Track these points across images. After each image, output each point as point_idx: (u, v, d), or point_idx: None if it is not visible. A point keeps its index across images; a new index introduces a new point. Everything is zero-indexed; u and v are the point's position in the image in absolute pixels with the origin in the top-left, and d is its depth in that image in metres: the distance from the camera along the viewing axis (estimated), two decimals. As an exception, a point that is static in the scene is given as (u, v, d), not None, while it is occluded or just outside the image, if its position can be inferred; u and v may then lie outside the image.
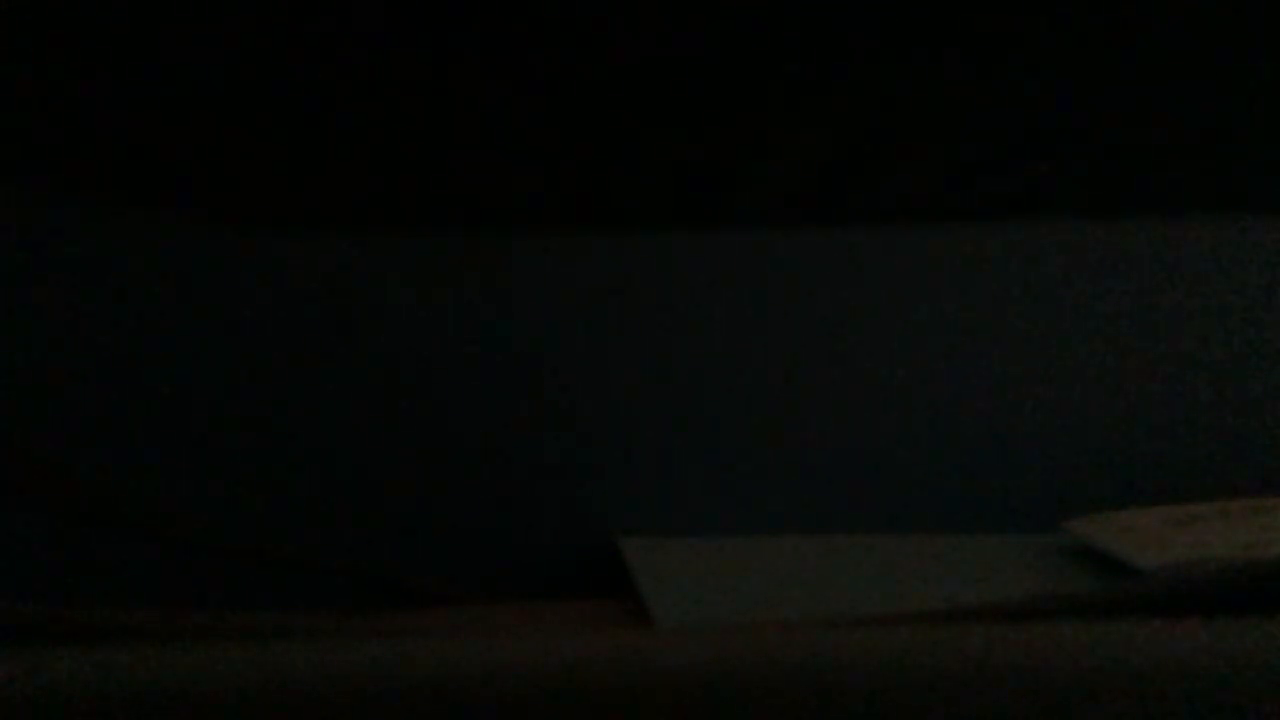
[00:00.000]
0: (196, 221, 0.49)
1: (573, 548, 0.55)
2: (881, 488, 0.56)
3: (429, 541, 0.54)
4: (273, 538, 0.52)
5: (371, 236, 0.51)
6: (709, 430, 0.55)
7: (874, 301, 0.55)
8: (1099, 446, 0.57)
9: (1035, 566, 0.48)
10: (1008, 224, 0.55)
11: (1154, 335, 0.57)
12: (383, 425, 0.53)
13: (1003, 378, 0.56)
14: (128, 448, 0.51)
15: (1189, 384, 0.57)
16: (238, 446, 0.52)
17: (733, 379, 0.55)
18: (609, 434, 0.54)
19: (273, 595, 0.52)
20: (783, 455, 0.55)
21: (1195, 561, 0.43)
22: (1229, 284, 0.57)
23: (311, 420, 0.53)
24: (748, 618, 0.41)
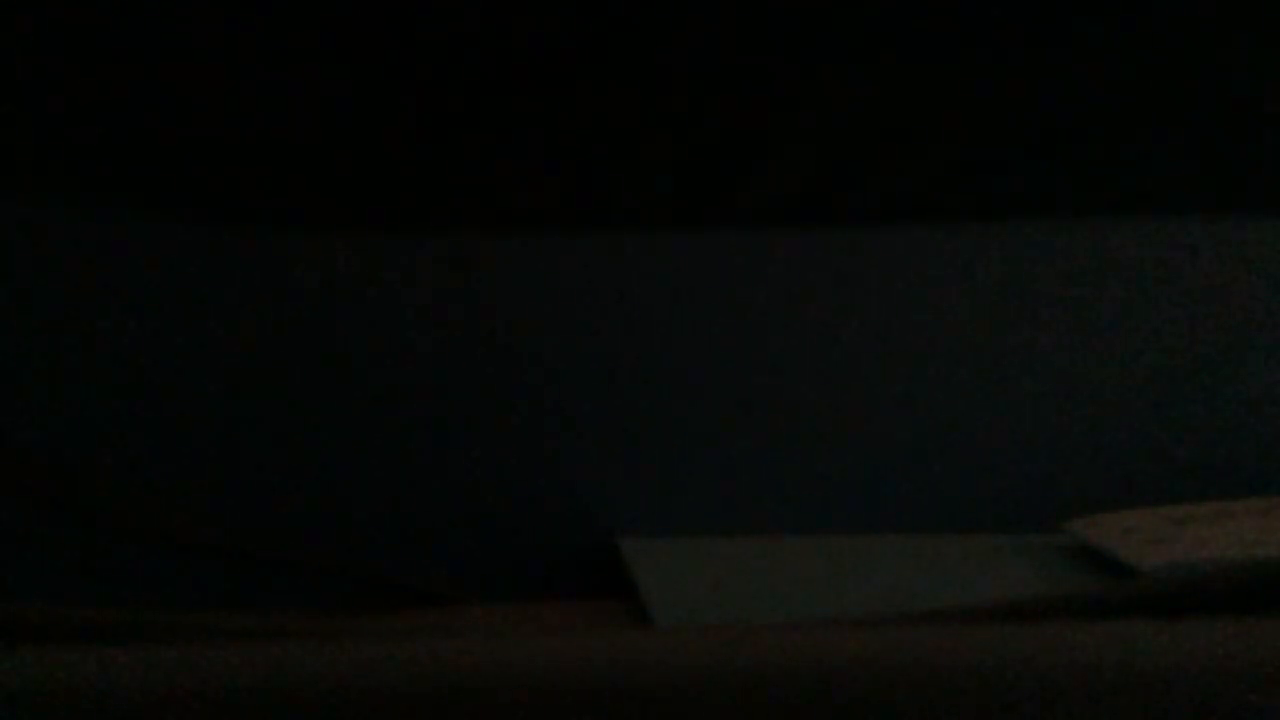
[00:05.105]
0: (196, 221, 0.49)
1: (573, 548, 0.55)
2: (881, 488, 0.56)
3: (429, 541, 0.54)
4: (273, 538, 0.52)
5: (371, 236, 0.51)
6: (709, 430, 0.55)
7: (874, 301, 0.55)
8: (1099, 446, 0.57)
9: (1035, 566, 0.48)
10: (1008, 224, 0.55)
11: (1153, 335, 0.57)
12: (383, 425, 0.53)
13: (1003, 378, 0.56)
14: (128, 448, 0.51)
15: (1189, 384, 0.57)
16: (238, 446, 0.52)
17: (732, 379, 0.55)
18: (609, 434, 0.54)
19: (273, 595, 0.52)
20: (782, 455, 0.55)
21: (1195, 561, 0.43)
22: (1229, 284, 0.57)
23: (311, 420, 0.53)
24: (748, 618, 0.41)
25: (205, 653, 0.18)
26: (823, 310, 0.55)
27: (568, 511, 0.54)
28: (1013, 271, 0.56)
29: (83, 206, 0.49)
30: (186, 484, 0.52)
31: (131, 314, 0.51)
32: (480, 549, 0.54)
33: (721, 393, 0.55)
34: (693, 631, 0.19)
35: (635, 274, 0.54)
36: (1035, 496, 0.56)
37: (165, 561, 0.52)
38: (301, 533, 0.53)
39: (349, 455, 0.53)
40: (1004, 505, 0.56)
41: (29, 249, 0.50)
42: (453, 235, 0.51)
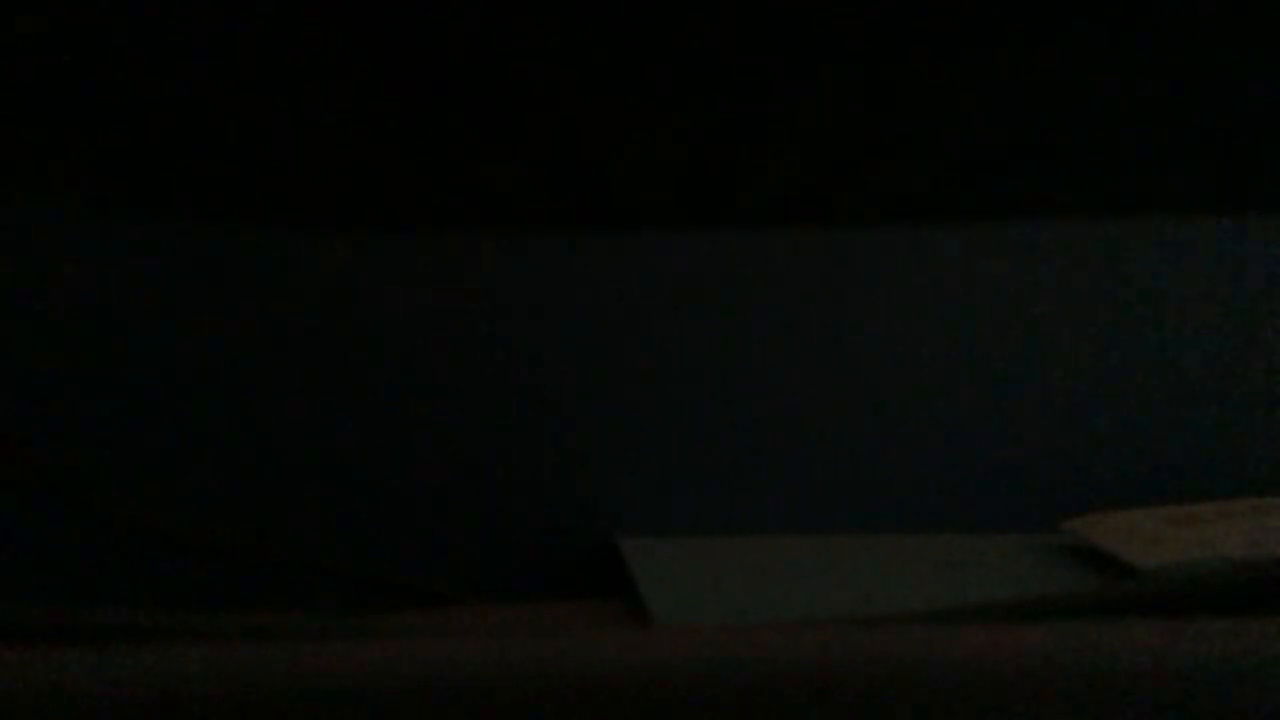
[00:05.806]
0: (197, 221, 0.49)
1: (573, 548, 0.55)
2: (881, 488, 0.56)
3: (429, 541, 0.54)
4: (273, 538, 0.52)
5: (371, 236, 0.51)
6: (709, 430, 0.55)
7: (874, 301, 0.55)
8: (1099, 446, 0.57)
9: (1035, 566, 0.48)
10: (1008, 224, 0.55)
11: (1154, 335, 0.57)
12: (382, 425, 0.53)
13: (1003, 378, 0.56)
14: (128, 448, 0.51)
15: (1189, 384, 0.57)
16: (237, 446, 0.52)
17: (732, 379, 0.55)
18: (609, 434, 0.54)
19: (273, 595, 0.52)
20: (782, 455, 0.55)
21: (1195, 561, 0.43)
22: (1229, 284, 0.57)
23: (311, 420, 0.53)
24: (747, 618, 0.41)
25: (205, 653, 0.18)
26: (823, 310, 0.55)
27: (568, 511, 0.54)
28: (1013, 271, 0.56)
29: (83, 206, 0.49)
30: (187, 484, 0.52)
31: (132, 314, 0.51)
32: (480, 549, 0.54)
33: (721, 393, 0.55)
34: (693, 631, 0.19)
35: (635, 274, 0.54)
36: (1035, 496, 0.56)
37: (165, 561, 0.52)
38: (302, 533, 0.53)
39: (349, 455, 0.53)
40: (1004, 505, 0.56)
41: (29, 249, 0.50)
42: (452, 235, 0.51)
